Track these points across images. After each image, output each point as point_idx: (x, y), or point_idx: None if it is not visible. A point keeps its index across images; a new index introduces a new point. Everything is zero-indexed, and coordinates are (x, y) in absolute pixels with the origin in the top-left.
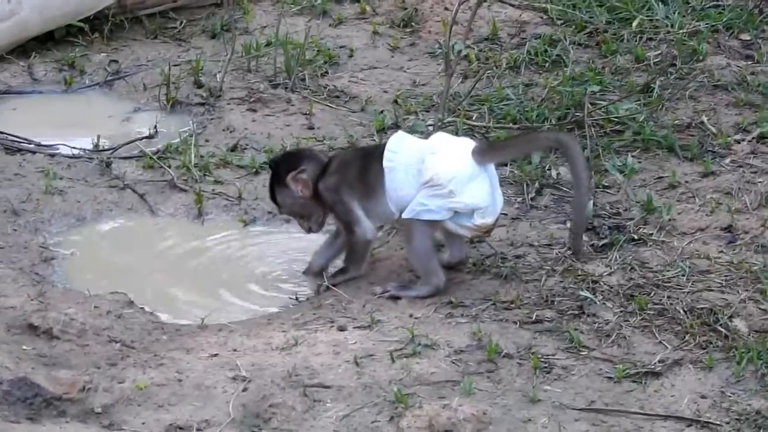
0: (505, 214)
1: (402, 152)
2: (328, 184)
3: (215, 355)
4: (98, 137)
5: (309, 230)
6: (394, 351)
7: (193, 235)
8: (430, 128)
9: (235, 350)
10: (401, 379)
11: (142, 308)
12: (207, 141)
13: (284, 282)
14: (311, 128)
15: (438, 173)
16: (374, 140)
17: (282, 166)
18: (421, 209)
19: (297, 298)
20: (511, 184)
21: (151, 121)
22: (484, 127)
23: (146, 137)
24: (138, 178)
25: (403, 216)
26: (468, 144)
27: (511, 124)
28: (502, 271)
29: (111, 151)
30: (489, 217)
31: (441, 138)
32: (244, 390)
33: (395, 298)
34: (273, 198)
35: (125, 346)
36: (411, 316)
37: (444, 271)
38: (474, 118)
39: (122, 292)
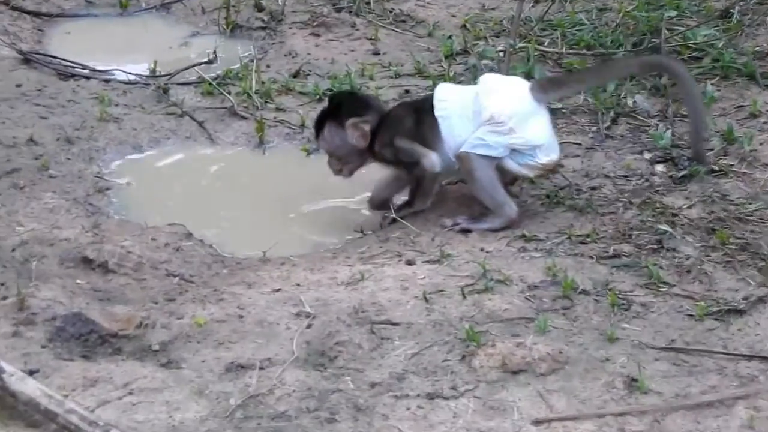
0: (579, 144)
1: (451, 99)
2: (385, 140)
3: (278, 289)
4: (155, 62)
5: (339, 172)
6: (464, 286)
7: (255, 164)
8: (501, 54)
9: (298, 285)
10: (473, 316)
11: (201, 241)
12: (268, 67)
13: (349, 214)
14: (377, 54)
15: (498, 110)
16: (442, 67)
17: (345, 107)
18: (479, 143)
19: (362, 231)
20: (585, 112)
21: (210, 46)
22: (557, 53)
23: (205, 62)
24: (197, 105)
25: (461, 150)
26: (521, 82)
27: (584, 51)
28: (577, 204)
29: (168, 76)
30: (553, 153)
31: (492, 78)
32: (308, 327)
33: (466, 231)
34: (319, 131)
35: (184, 280)
36: (482, 250)
37: (516, 202)
38: (546, 44)
39: (180, 224)
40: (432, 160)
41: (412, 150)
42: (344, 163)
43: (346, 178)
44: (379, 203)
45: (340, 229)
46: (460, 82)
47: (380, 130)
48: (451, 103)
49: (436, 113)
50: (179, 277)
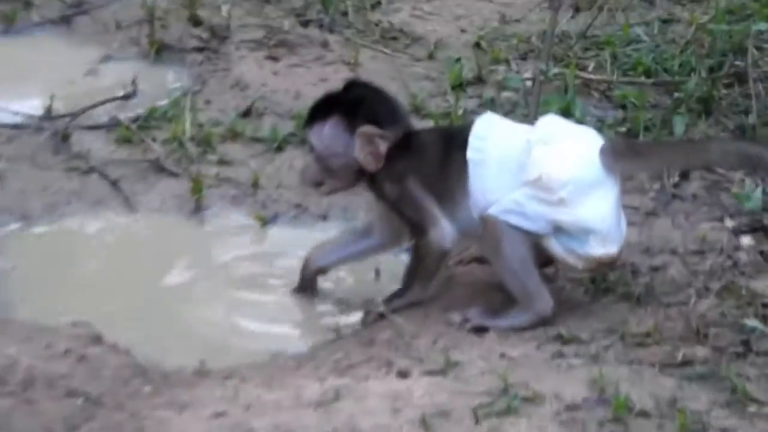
0: (636, 208)
1: (493, 139)
2: (395, 171)
3: (221, 413)
4: (51, 98)
5: (315, 186)
6: (478, 407)
7: (189, 238)
8: (528, 84)
9: (249, 407)
10: None
11: (114, 346)
12: (208, 103)
13: (320, 307)
14: None
15: (550, 172)
16: (448, 101)
17: (365, 107)
18: (514, 209)
19: (338, 331)
20: None
21: (127, 75)
22: (605, 81)
23: (121, 97)
24: (109, 157)
25: (489, 212)
26: (594, 138)
27: (642, 78)
28: (633, 291)
29: (70, 118)
30: (611, 245)
31: (553, 123)
32: None
33: (480, 330)
34: (316, 120)
35: (90, 401)
36: (503, 356)
37: (551, 290)
38: (590, 68)
39: (86, 323)
40: (442, 232)
41: (420, 206)
42: (330, 176)
43: (323, 195)
44: (313, 271)
45: (308, 327)
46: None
47: (394, 155)
48: (492, 144)
49: (469, 153)
50: (84, 397)
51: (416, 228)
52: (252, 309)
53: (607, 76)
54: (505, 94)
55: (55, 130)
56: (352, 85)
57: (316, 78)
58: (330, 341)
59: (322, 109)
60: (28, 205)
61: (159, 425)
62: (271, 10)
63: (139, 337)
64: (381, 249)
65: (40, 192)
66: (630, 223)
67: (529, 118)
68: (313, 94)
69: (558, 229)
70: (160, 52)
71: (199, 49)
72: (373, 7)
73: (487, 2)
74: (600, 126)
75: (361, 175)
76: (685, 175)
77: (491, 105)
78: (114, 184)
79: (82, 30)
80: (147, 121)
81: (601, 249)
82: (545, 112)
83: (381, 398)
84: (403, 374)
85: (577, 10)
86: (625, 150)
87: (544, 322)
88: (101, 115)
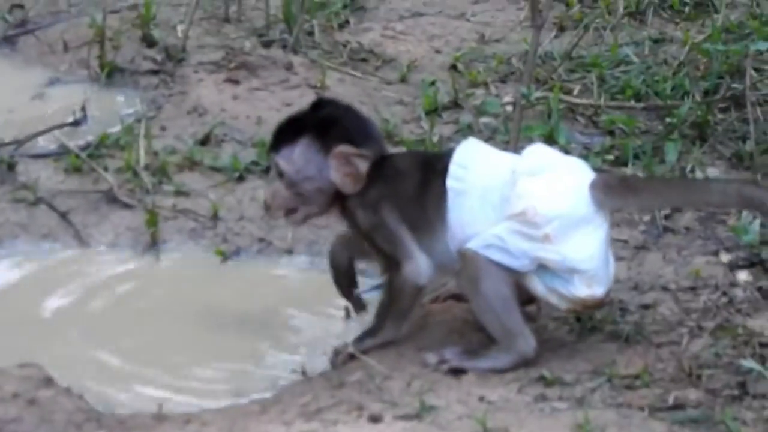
0: (625, 242)
1: (476, 168)
2: (369, 197)
3: None
4: None
5: (286, 214)
6: None
7: (145, 274)
8: (509, 108)
9: None
10: None
11: (66, 389)
12: (164, 129)
13: (286, 347)
14: None
15: (535, 206)
16: (422, 127)
17: (338, 124)
18: (496, 244)
19: (305, 372)
20: None
21: (76, 99)
22: (592, 106)
23: (70, 124)
24: (57, 187)
25: (468, 246)
26: (584, 170)
27: (632, 102)
28: (622, 330)
29: (15, 145)
30: (598, 287)
31: (541, 153)
32: None
33: (458, 372)
34: (284, 141)
35: None
36: (482, 399)
37: (533, 329)
38: (575, 92)
39: (35, 365)
40: (418, 267)
41: (394, 237)
42: (303, 203)
43: (292, 225)
44: (337, 265)
45: (273, 369)
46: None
47: (369, 179)
48: (475, 173)
49: (449, 182)
50: None
51: (389, 261)
52: (213, 350)
53: (594, 100)
54: (484, 119)
55: (0, 159)
56: (320, 104)
57: (280, 102)
58: (297, 383)
59: (290, 130)
60: None
61: None
62: (231, 30)
63: (92, 380)
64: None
65: None
66: (619, 258)
67: (510, 146)
68: (277, 119)
69: (541, 267)
70: (112, 74)
71: (154, 72)
72: (341, 26)
73: (464, 21)
74: (586, 154)
75: (336, 200)
76: (677, 207)
77: (468, 131)
78: (63, 216)
79: (27, 51)
80: (98, 149)
81: (586, 290)
82: (527, 138)
83: None
84: (375, 419)
85: (561, 29)
86: (617, 185)
87: (525, 363)
88: (49, 142)
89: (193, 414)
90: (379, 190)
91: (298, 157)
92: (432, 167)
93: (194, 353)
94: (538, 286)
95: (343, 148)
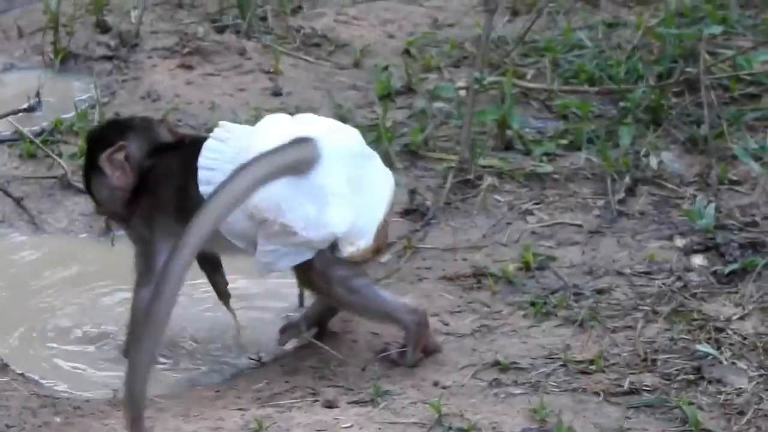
0: (579, 226)
1: (222, 167)
2: (141, 202)
3: None
4: None
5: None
6: None
7: (98, 260)
8: (462, 93)
9: None
10: None
11: (21, 375)
12: (118, 115)
13: (240, 333)
14: (277, 95)
15: (257, 205)
16: (375, 112)
17: (99, 140)
18: (268, 260)
19: (260, 359)
20: (588, 178)
21: (30, 85)
22: (545, 90)
23: (24, 110)
24: (12, 173)
25: (260, 270)
26: (304, 129)
27: (585, 86)
28: (576, 315)
29: None
30: (359, 239)
31: (271, 125)
32: None
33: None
34: (88, 189)
35: None
36: (436, 384)
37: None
38: (529, 76)
39: None
40: (141, 296)
41: (146, 255)
42: (120, 219)
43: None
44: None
45: (228, 354)
46: (402, 135)
47: (146, 179)
48: (221, 173)
49: (200, 189)
50: None
51: (135, 277)
52: (166, 336)
53: (548, 85)
54: (437, 104)
55: None
56: (90, 135)
57: (233, 88)
58: (252, 368)
59: (85, 173)
60: None
61: None
62: (184, 16)
63: (47, 366)
64: None
65: None
66: (573, 243)
67: (463, 131)
68: (230, 104)
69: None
70: (66, 60)
71: (108, 58)
72: (294, 11)
73: (417, 6)
74: (540, 139)
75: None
76: (631, 191)
77: (422, 116)
78: (18, 202)
79: None
80: (52, 135)
81: (351, 248)
82: (480, 123)
83: (306, 430)
84: (329, 404)
85: (514, 13)
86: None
87: (426, 327)
88: (3, 129)
89: (148, 400)
90: (146, 200)
91: (96, 192)
92: (191, 165)
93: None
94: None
95: (103, 155)
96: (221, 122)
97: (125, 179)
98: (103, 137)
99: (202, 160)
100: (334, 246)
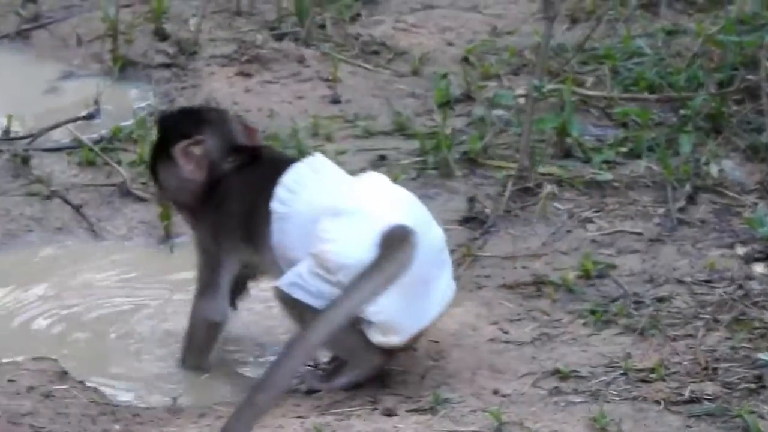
0: (640, 234)
1: (302, 193)
2: (213, 203)
3: None
4: (9, 118)
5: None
6: None
7: (158, 268)
8: (521, 101)
9: None
10: None
11: (81, 383)
12: None
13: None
14: (336, 102)
15: (328, 251)
16: (434, 120)
17: (174, 127)
18: (297, 282)
19: (318, 366)
20: (648, 186)
21: (89, 93)
22: (605, 98)
23: (83, 117)
24: (71, 180)
25: (276, 284)
26: (401, 209)
27: (645, 94)
28: (637, 323)
29: (29, 139)
30: (394, 336)
31: (367, 186)
32: None
33: (313, 392)
34: (152, 173)
35: None
36: (496, 392)
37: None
38: (588, 84)
39: (51, 359)
40: (216, 304)
41: (212, 264)
42: (188, 212)
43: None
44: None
45: None
46: (460, 143)
47: (219, 185)
48: (299, 199)
49: (272, 205)
50: None
51: (197, 285)
52: (225, 344)
53: (607, 93)
54: (496, 112)
55: (14, 153)
56: (161, 120)
57: (292, 95)
58: (311, 377)
59: (152, 158)
60: None
61: None
62: (243, 23)
63: (107, 373)
64: None
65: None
66: (633, 251)
67: (523, 139)
68: (288, 112)
69: None
70: (125, 68)
71: (166, 65)
72: (353, 19)
73: (476, 13)
74: (600, 146)
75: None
76: (692, 199)
77: (481, 124)
78: (77, 209)
79: (41, 45)
80: (111, 143)
81: (381, 338)
82: (539, 131)
83: None
84: (389, 412)
85: (573, 21)
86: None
87: (377, 371)
88: (62, 136)
89: (207, 406)
90: (215, 209)
91: (161, 176)
92: (268, 183)
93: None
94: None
95: (179, 145)
96: (318, 153)
97: (198, 174)
98: (179, 125)
99: (287, 179)
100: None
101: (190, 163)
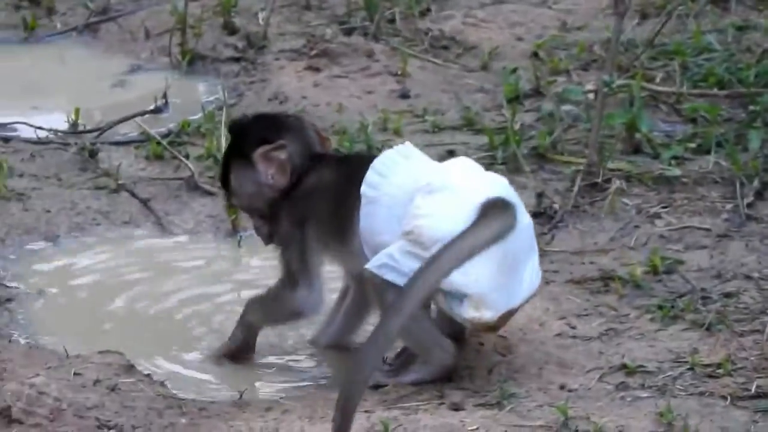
0: (708, 230)
1: (391, 178)
2: (294, 208)
3: None
4: (77, 112)
5: (269, 239)
6: None
7: (226, 262)
8: (591, 96)
9: None
10: None
11: (147, 376)
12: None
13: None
14: (405, 97)
15: (422, 226)
16: (503, 115)
17: (251, 133)
18: (388, 263)
19: (386, 360)
20: (716, 182)
21: (157, 87)
22: (674, 93)
23: (151, 111)
24: (139, 174)
25: (366, 267)
26: (494, 187)
27: (715, 90)
28: (704, 318)
29: (97, 133)
30: (487, 311)
31: (459, 167)
32: None
33: (380, 387)
34: (224, 179)
35: None
36: (562, 387)
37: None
38: (658, 80)
39: (117, 352)
40: (310, 298)
41: (305, 258)
42: (266, 221)
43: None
44: (323, 346)
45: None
46: (529, 138)
47: (297, 183)
48: (388, 183)
49: (362, 189)
50: (116, 429)
51: (288, 276)
52: (294, 337)
53: (677, 88)
54: (566, 107)
55: (82, 146)
56: (234, 126)
57: (361, 90)
58: (378, 371)
59: (225, 163)
60: (54, 226)
61: None
62: (312, 17)
63: (173, 367)
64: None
65: (67, 211)
66: (701, 247)
67: (592, 134)
68: (357, 107)
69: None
70: (193, 62)
71: (235, 59)
72: (422, 13)
73: (545, 8)
74: (668, 142)
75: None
76: (760, 195)
77: (550, 119)
78: (144, 203)
79: (109, 38)
80: (179, 137)
81: (473, 313)
82: (609, 126)
83: None
84: (456, 407)
85: (643, 16)
86: (500, 210)
87: (447, 372)
88: (130, 130)
89: (274, 400)
90: (304, 200)
91: (235, 182)
92: (356, 172)
93: (275, 341)
94: (442, 304)
95: (260, 150)
96: (407, 142)
97: (282, 179)
98: (256, 131)
99: (377, 163)
100: (454, 301)
101: (271, 167)
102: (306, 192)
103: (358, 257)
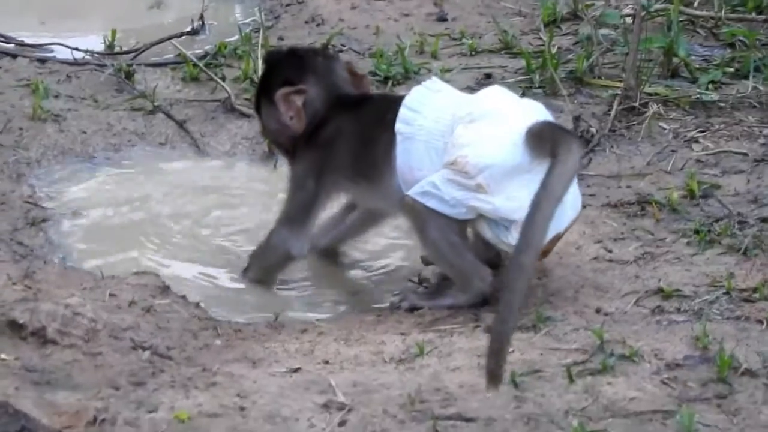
0: (745, 155)
1: (425, 112)
2: (309, 154)
3: (297, 369)
4: (113, 33)
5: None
6: (572, 365)
7: (261, 183)
8: (628, 20)
9: (327, 363)
10: (584, 408)
11: (182, 297)
12: (281, 39)
13: (402, 258)
14: (442, 20)
15: (466, 155)
16: (541, 39)
17: (278, 72)
18: (431, 191)
19: (421, 281)
20: (754, 107)
21: (194, 9)
22: (712, 18)
23: (187, 33)
24: (175, 96)
25: (408, 194)
26: (533, 113)
27: (753, 14)
28: (740, 243)
29: (133, 54)
30: None
31: (494, 95)
32: (342, 424)
33: (415, 309)
34: (257, 110)
35: (158, 355)
36: (598, 311)
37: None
38: (696, 4)
39: (152, 273)
40: (299, 239)
41: (306, 201)
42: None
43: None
44: (319, 250)
45: (390, 279)
46: (567, 62)
47: (323, 121)
48: (423, 117)
49: (397, 126)
50: (151, 350)
51: (282, 215)
52: (329, 260)
53: (715, 12)
54: (603, 31)
55: (118, 68)
56: (270, 58)
57: (398, 13)
58: (413, 293)
59: (257, 94)
60: (90, 147)
61: (231, 380)
62: None
63: (210, 288)
64: (373, 218)
65: (103, 132)
66: (737, 171)
67: (629, 59)
68: (394, 30)
69: (479, 216)
70: None
71: None
72: None
73: None
74: (706, 66)
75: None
76: None
77: (588, 43)
78: (181, 125)
79: None
80: (215, 59)
81: None
82: (646, 50)
83: (467, 355)
84: (490, 330)
85: None
86: (557, 134)
87: (483, 299)
88: (166, 51)
89: (309, 322)
90: (324, 148)
91: (263, 115)
92: (386, 110)
93: (310, 263)
94: (487, 233)
95: (281, 92)
96: (434, 76)
97: (298, 123)
98: (283, 70)
99: (409, 100)
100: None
101: (290, 111)
102: (327, 139)
103: (394, 194)
